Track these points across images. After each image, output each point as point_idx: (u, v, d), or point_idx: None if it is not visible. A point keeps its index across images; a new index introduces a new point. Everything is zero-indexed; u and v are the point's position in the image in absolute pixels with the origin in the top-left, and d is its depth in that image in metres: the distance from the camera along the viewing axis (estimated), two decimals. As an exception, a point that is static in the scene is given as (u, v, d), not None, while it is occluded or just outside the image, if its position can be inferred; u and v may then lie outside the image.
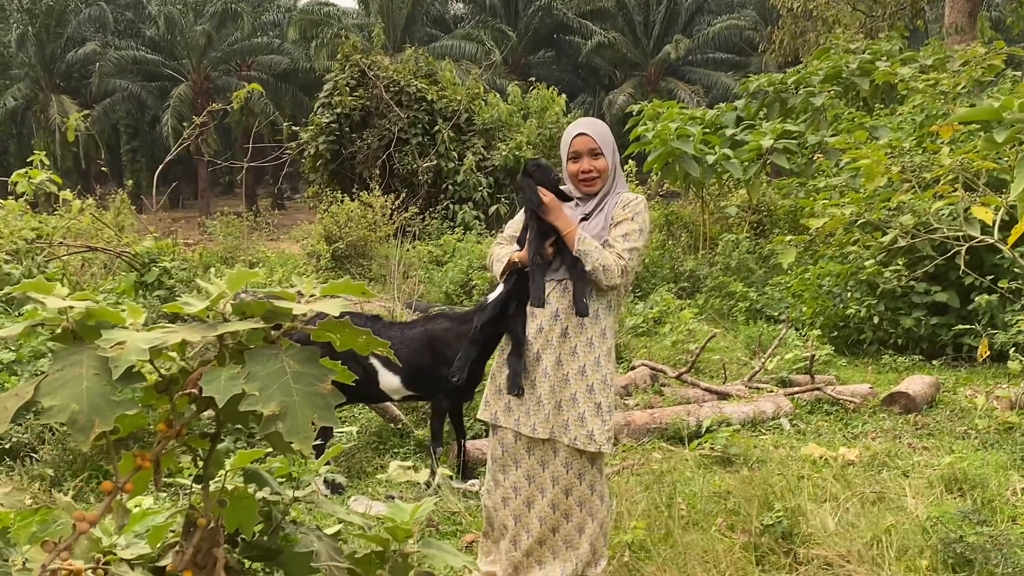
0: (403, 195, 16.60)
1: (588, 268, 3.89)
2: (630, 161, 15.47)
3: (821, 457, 6.00)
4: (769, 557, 4.42)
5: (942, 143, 8.55)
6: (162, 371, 3.14)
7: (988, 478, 5.45)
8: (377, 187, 16.33)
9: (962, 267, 7.32)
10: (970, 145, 8.06)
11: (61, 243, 8.08)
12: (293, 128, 19.53)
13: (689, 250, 13.32)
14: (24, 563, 2.93)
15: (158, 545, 3.50)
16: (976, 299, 8.70)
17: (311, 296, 3.27)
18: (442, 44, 41.40)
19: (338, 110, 18.51)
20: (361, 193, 15.81)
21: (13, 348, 6.51)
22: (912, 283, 9.10)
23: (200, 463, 3.36)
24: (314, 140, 18.63)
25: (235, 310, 3.18)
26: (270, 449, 3.93)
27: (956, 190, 6.79)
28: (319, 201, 17.54)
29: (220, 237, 15.26)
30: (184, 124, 40.64)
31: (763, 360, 8.25)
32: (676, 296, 11.30)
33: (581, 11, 44.48)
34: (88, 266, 9.94)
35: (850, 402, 7.34)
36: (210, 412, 3.31)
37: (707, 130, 12.80)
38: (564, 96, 19.83)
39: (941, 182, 7.92)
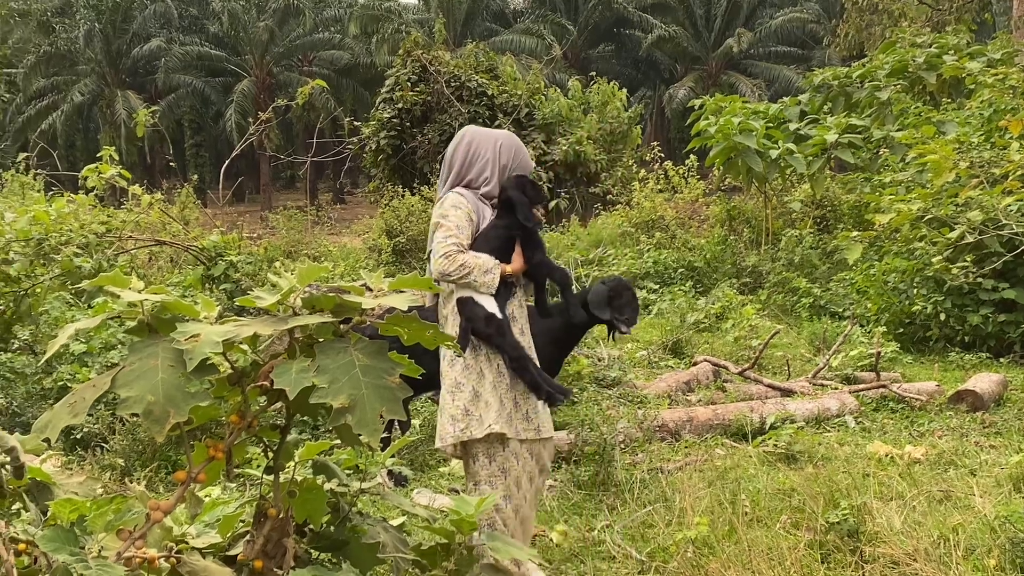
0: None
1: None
2: (691, 156, 15.40)
3: (887, 455, 5.95)
4: (834, 555, 4.40)
5: (1011, 138, 8.42)
6: (234, 364, 3.22)
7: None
8: (437, 181, 16.42)
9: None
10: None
11: (130, 237, 8.23)
12: (355, 123, 19.69)
13: (751, 245, 13.23)
14: (100, 551, 3.02)
15: (228, 535, 3.58)
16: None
17: (380, 291, 3.33)
18: (502, 39, 41.46)
19: (399, 105, 18.66)
20: (422, 188, 15.92)
21: (84, 340, 6.65)
22: (979, 280, 8.95)
23: (270, 454, 3.44)
24: (375, 135, 18.78)
25: (305, 304, 3.25)
26: (337, 440, 4.00)
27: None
28: (380, 196, 17.69)
29: (283, 231, 15.45)
30: (247, 119, 41.18)
31: (827, 357, 8.18)
32: (738, 292, 11.23)
33: (641, 5, 44.28)
34: (155, 260, 10.10)
35: (916, 400, 7.26)
36: (280, 404, 3.39)
37: (770, 125, 12.71)
38: (624, 91, 19.80)
39: (1010, 178, 7.81)
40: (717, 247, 12.88)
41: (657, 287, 11.80)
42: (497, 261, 4.10)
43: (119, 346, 6.83)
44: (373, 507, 4.63)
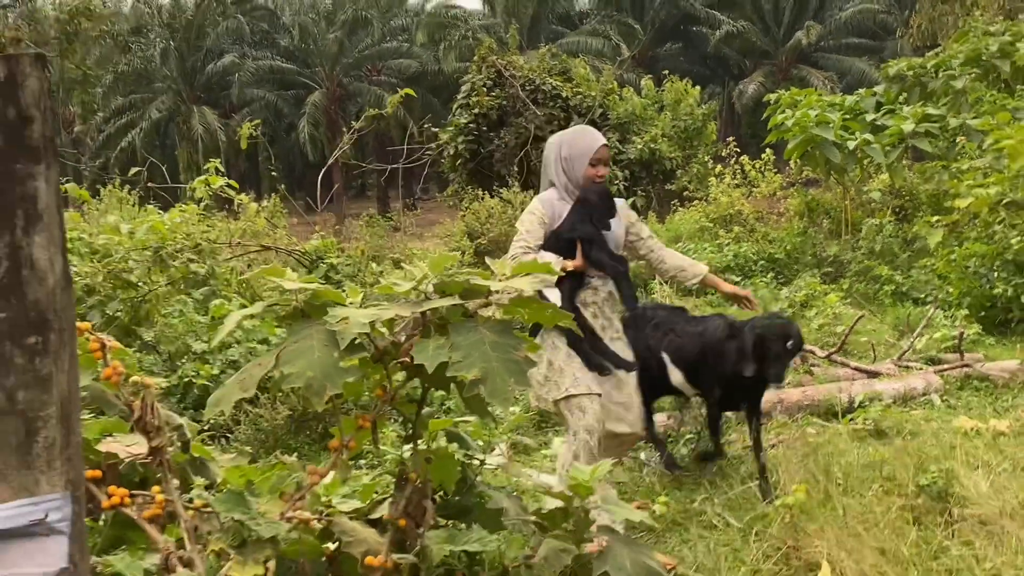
0: (541, 191, 17.03)
1: None
2: (768, 150, 15.59)
3: (972, 428, 6.17)
4: (925, 517, 4.66)
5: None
6: (377, 344, 3.60)
7: None
8: (516, 183, 16.81)
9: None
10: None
11: (239, 243, 8.72)
12: (433, 130, 20.17)
13: (831, 236, 13.41)
14: (264, 513, 3.42)
15: (368, 501, 3.96)
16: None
17: (503, 275, 3.70)
18: (568, 40, 41.74)
19: (475, 110, 19.14)
20: (500, 190, 16.31)
21: (206, 340, 7.13)
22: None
23: (409, 426, 3.82)
24: (453, 140, 19.27)
25: (436, 289, 3.63)
26: (457, 418, 4.38)
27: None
28: (459, 199, 18.15)
29: (367, 237, 15.91)
30: (319, 130, 41.98)
31: (912, 339, 8.38)
32: (820, 281, 11.42)
33: (708, 1, 44.33)
34: (254, 266, 10.59)
35: (1000, 377, 7.45)
36: (416, 380, 3.77)
37: (847, 116, 12.88)
38: (698, 88, 20.05)
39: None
40: (797, 238, 13.09)
41: (739, 279, 12.03)
42: (559, 259, 4.72)
43: (235, 344, 7.30)
44: (494, 477, 4.97)
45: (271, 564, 3.31)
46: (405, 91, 9.81)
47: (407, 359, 3.54)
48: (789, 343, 4.99)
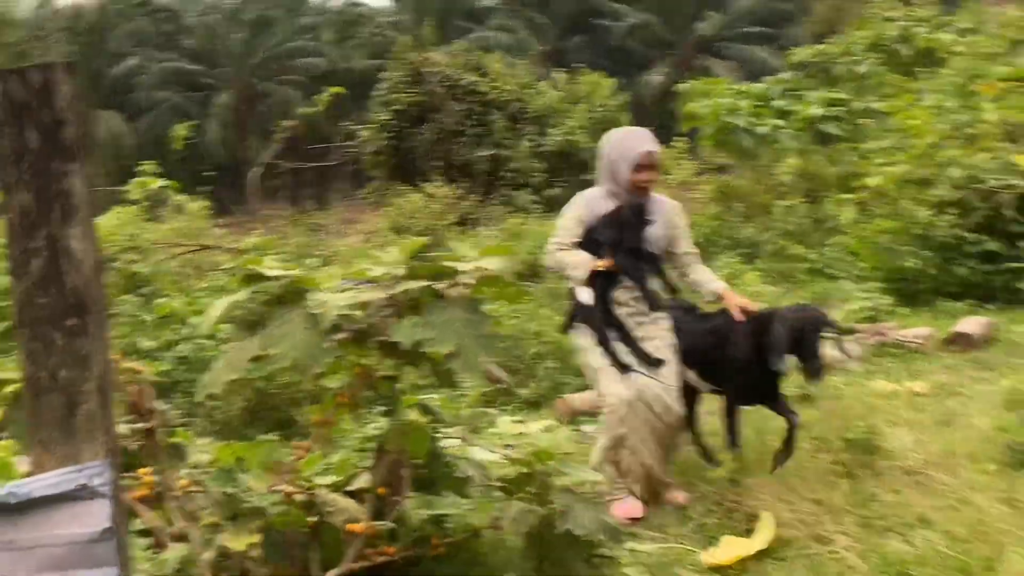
0: (463, 184, 17.36)
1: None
2: (680, 138, 16.04)
3: (891, 391, 6.61)
4: (854, 470, 5.04)
5: (985, 100, 9.12)
6: (354, 325, 3.85)
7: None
8: (438, 178, 17.07)
9: (1009, 214, 7.92)
10: (1011, 101, 8.62)
11: (178, 243, 8.84)
12: (353, 127, 20.31)
13: (745, 219, 13.90)
14: (249, 488, 3.65)
15: (345, 475, 4.22)
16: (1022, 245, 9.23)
17: (469, 257, 3.98)
18: (476, 36, 41.90)
19: (395, 107, 19.35)
20: (424, 185, 16.55)
21: (153, 338, 7.26)
22: (963, 234, 9.64)
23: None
24: (374, 137, 19.46)
25: (407, 273, 3.90)
26: (424, 395, 4.64)
27: (1000, 143, 7.36)
28: (381, 196, 18.36)
29: (294, 236, 16.03)
30: (228, 131, 41.60)
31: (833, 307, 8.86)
32: (739, 261, 11.87)
33: (612, -5, 44.90)
34: (186, 265, 10.68)
35: (913, 343, 7.94)
36: (391, 359, 4.02)
37: (757, 104, 13.38)
38: (612, 80, 20.52)
39: (985, 137, 8.51)
40: (713, 222, 13.57)
41: (660, 263, 12.43)
42: (591, 258, 4.86)
43: (181, 343, 7.44)
44: (460, 448, 5.22)
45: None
46: (335, 89, 9.99)
47: (382, 339, 3.80)
48: (823, 333, 4.87)
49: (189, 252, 9.11)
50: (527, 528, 4.22)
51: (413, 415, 4.11)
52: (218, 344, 7.31)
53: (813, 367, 4.84)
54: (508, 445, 6.50)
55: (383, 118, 19.62)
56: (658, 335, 5.02)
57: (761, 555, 4.34)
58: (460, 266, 3.82)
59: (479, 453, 4.83)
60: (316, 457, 4.05)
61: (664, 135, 16.47)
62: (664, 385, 4.93)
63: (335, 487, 4.10)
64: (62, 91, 2.01)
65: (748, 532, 4.53)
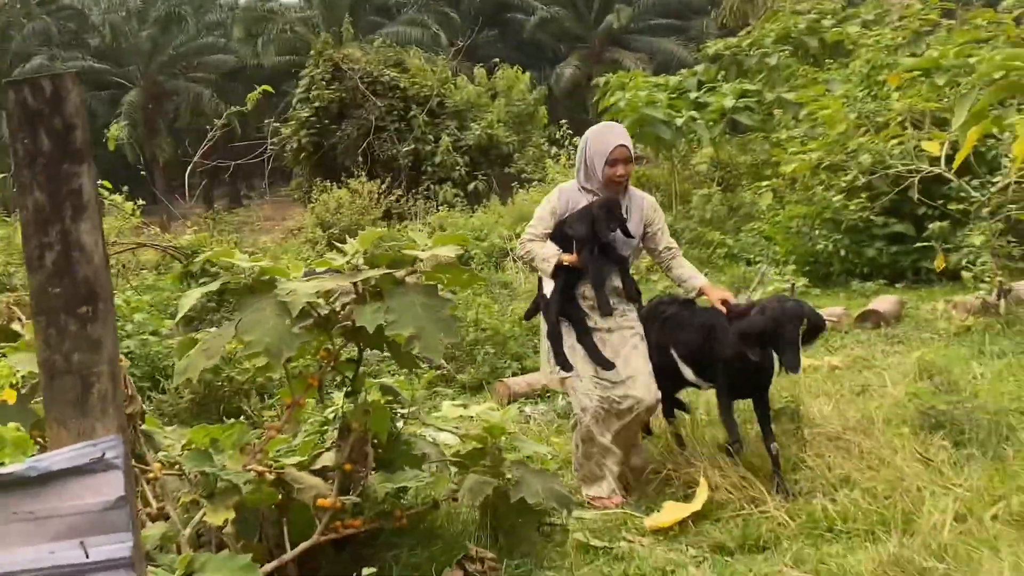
0: (386, 179, 17.55)
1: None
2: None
3: (810, 365, 7.00)
4: (780, 438, 5.39)
5: (891, 90, 9.61)
6: (319, 312, 4.08)
7: (952, 366, 6.49)
8: (362, 173, 17.23)
9: (916, 197, 8.40)
10: (915, 90, 9.12)
11: (115, 242, 8.89)
12: (274, 124, 20.35)
13: (663, 207, 14.29)
14: (224, 466, 3.87)
15: (309, 454, 4.45)
16: (930, 227, 9.74)
17: (425, 246, 4.23)
18: (388, 31, 41.76)
19: (316, 104, 19.46)
20: (348, 181, 16.69)
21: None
22: (873, 218, 10.15)
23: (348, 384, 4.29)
24: (295, 134, 19.54)
25: (367, 262, 4.14)
26: (380, 379, 4.86)
27: (906, 130, 7.81)
28: (305, 192, 18.48)
29: (215, 233, 16.01)
30: (137, 130, 40.97)
31: (748, 294, 9.25)
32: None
33: (522, -12, 45.12)
34: (132, 262, 10.68)
35: (828, 321, 8.35)
36: (354, 344, 4.25)
37: (672, 96, 13.79)
38: (528, 74, 20.85)
39: (892, 124, 8.99)
40: (634, 212, 13.95)
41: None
42: (558, 252, 5.01)
43: (126, 340, 7.51)
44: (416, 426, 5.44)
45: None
46: (263, 88, 10.06)
47: (346, 324, 4.04)
48: (803, 326, 4.76)
49: (127, 251, 9.16)
50: (482, 499, 4.49)
51: (374, 396, 4.36)
52: (161, 340, 7.44)
53: (790, 359, 4.76)
54: (456, 427, 6.79)
55: (304, 115, 19.71)
56: (625, 326, 5.13)
57: (698, 517, 4.66)
58: (418, 254, 4.08)
59: (435, 431, 5.08)
60: (283, 440, 4.27)
61: (577, 127, 16.86)
62: (632, 375, 5.04)
63: (302, 466, 4.33)
64: (71, 99, 2.18)
65: (687, 498, 4.86)
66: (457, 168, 19.02)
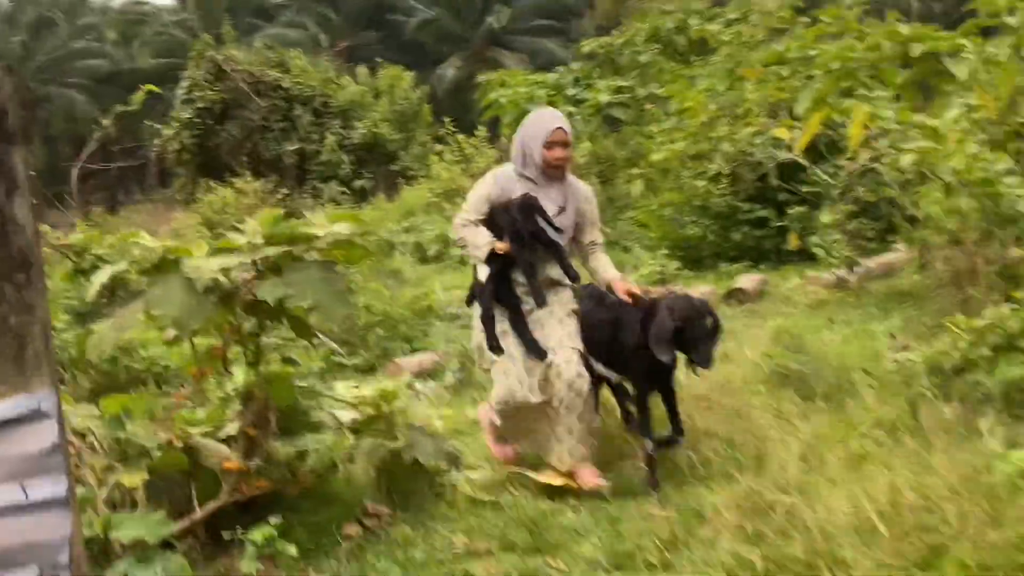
0: (272, 178, 17.80)
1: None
2: (480, 127, 16.87)
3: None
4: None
5: (748, 84, 10.30)
6: (223, 287, 4.43)
7: (804, 334, 7.08)
8: (247, 173, 17.43)
9: (775, 183, 9.08)
10: (769, 83, 9.81)
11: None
12: (156, 127, 20.33)
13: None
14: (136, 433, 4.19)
15: (214, 422, 4.78)
16: (789, 211, 10.43)
17: (323, 225, 4.60)
18: (266, 33, 41.60)
19: (199, 105, 19.54)
20: (233, 180, 16.85)
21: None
22: (738, 203, 10.83)
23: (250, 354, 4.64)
24: (178, 136, 19.59)
25: (267, 240, 4.49)
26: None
27: (759, 118, 8.45)
28: (190, 193, 18.55)
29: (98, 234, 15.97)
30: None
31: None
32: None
33: (403, -10, 45.36)
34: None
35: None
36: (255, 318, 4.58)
37: (551, 92, 14.33)
38: (412, 73, 21.26)
39: (750, 115, 9.66)
40: (516, 203, 14.47)
41: (470, 244, 13.27)
42: (491, 239, 4.92)
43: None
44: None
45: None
46: (148, 87, 10.20)
47: (249, 298, 4.39)
48: (709, 322, 4.85)
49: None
50: (378, 461, 4.88)
51: (276, 366, 4.71)
52: (59, 334, 7.58)
53: (703, 355, 4.80)
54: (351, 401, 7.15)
55: (186, 116, 19.77)
56: (559, 305, 5.07)
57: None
58: (315, 231, 4.46)
59: (331, 403, 5.44)
60: (190, 414, 4.58)
61: (460, 126, 17.30)
62: (553, 362, 4.94)
63: (208, 434, 4.66)
64: (4, 87, 2.43)
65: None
66: (343, 166, 19.34)
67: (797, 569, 3.92)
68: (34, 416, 2.58)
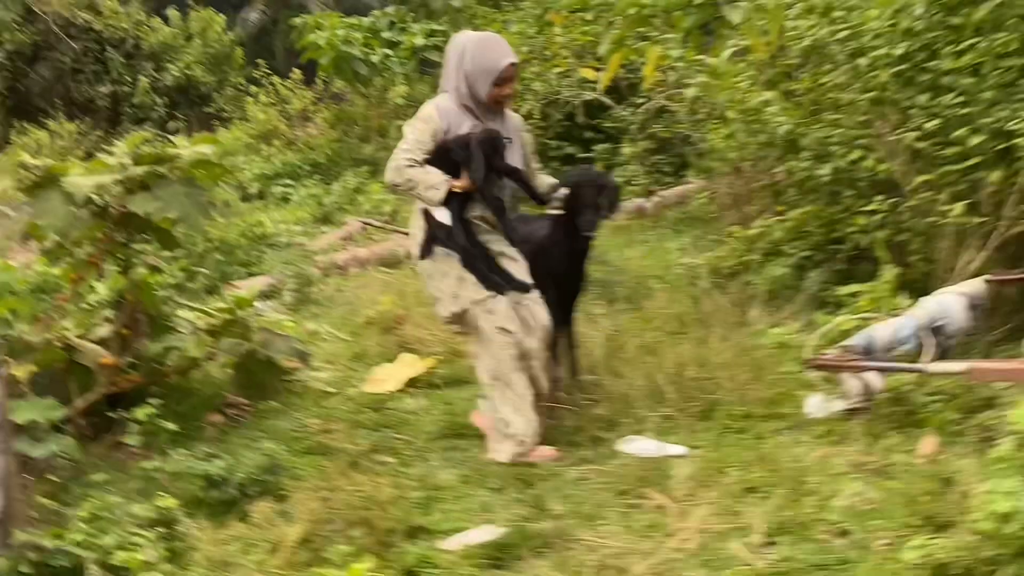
0: (87, 121, 17.72)
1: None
2: (296, 69, 17.17)
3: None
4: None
5: (555, 28, 11.17)
6: (98, 203, 4.93)
7: (609, 252, 7.99)
8: (61, 116, 17.32)
9: (581, 120, 9.95)
10: (576, 28, 10.69)
11: None
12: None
13: (363, 140, 15.41)
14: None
15: (87, 328, 5.28)
16: (595, 148, 11.34)
17: (186, 146, 5.14)
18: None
19: (8, 47, 19.29)
20: (48, 123, 16.74)
21: None
22: (547, 141, 11.65)
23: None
24: (-15, 78, 19.26)
25: (135, 160, 5.03)
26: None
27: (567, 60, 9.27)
28: (2, 137, 18.29)
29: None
30: None
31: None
32: (364, 178, 13.36)
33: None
34: None
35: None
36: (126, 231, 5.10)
37: (368, 35, 14.81)
38: (223, 16, 21.30)
39: (557, 57, 10.52)
40: (335, 145, 14.98)
41: (292, 182, 13.73)
42: (446, 178, 4.42)
43: None
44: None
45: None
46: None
47: (120, 211, 4.91)
48: (602, 194, 4.76)
49: None
50: (236, 357, 5.47)
51: (143, 273, 5.24)
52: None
53: (586, 221, 4.71)
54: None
55: (-7, 59, 19.44)
56: (504, 244, 4.70)
57: (413, 383, 5.85)
58: (179, 151, 5.00)
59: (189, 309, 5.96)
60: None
61: (271, 70, 17.60)
62: (531, 299, 4.70)
63: (83, 336, 5.16)
64: None
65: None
66: (156, 108, 19.39)
67: (601, 425, 4.82)
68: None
